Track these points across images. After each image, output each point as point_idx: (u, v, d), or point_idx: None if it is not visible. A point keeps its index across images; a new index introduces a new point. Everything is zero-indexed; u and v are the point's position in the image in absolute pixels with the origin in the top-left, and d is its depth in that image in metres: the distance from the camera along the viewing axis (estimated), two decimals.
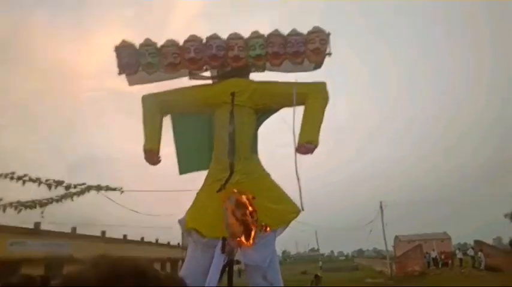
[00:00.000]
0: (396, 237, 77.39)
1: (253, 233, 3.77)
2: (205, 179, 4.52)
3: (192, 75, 4.88)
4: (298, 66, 4.77)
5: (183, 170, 4.98)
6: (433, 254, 32.63)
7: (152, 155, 4.45)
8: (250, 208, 3.95)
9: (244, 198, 3.99)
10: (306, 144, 4.24)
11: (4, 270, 15.83)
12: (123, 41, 4.70)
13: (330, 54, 4.71)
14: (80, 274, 0.49)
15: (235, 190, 4.04)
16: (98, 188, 8.19)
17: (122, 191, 8.59)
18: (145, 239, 33.25)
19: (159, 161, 4.52)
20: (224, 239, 4.06)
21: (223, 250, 4.06)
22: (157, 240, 35.80)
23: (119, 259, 0.53)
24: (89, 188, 8.00)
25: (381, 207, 33.05)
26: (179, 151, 4.94)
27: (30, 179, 7.02)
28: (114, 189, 8.49)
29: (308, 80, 4.79)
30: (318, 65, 4.81)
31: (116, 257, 0.54)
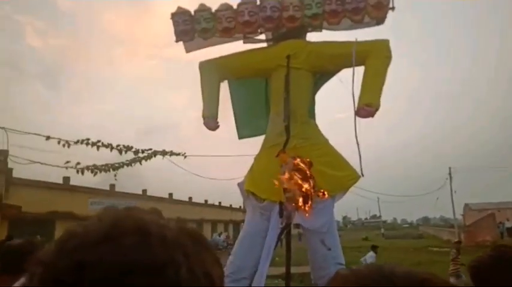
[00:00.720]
0: (466, 205, 73.22)
1: (310, 198, 3.76)
2: (263, 144, 4.54)
3: (247, 39, 4.82)
4: (358, 24, 4.51)
5: (241, 135, 5.07)
6: (508, 224, 30.56)
7: (211, 121, 4.54)
8: (308, 173, 3.92)
9: (302, 163, 3.97)
10: (366, 107, 4.05)
11: None
12: (179, 8, 4.73)
13: (393, 8, 4.36)
14: (84, 227, 0.49)
15: (293, 155, 4.02)
16: (163, 153, 8.66)
17: (185, 156, 9.01)
18: (209, 202, 34.99)
19: (218, 127, 4.59)
20: (281, 203, 4.10)
21: (280, 214, 4.12)
22: (220, 203, 37.46)
23: (123, 212, 0.51)
24: (155, 153, 8.49)
25: (450, 173, 31.37)
26: (237, 116, 5.00)
27: (103, 145, 7.60)
28: (178, 154, 8.93)
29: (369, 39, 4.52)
30: (380, 20, 4.48)
31: (121, 211, 0.51)
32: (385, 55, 4.31)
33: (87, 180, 16.47)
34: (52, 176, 15.18)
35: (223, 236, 27.32)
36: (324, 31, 4.69)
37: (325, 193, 3.87)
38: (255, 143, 4.89)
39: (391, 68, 4.32)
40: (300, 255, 5.77)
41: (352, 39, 4.43)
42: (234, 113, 5.05)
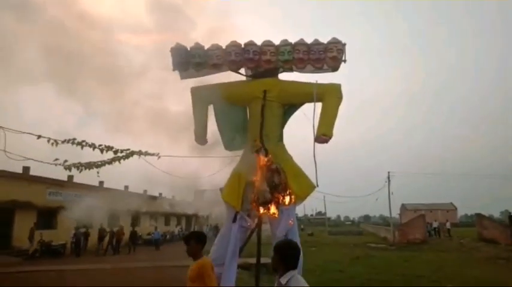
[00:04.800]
0: (403, 205, 78.97)
1: (282, 202, 4.99)
2: (241, 159, 5.71)
3: (232, 72, 5.96)
4: (318, 70, 5.82)
5: (227, 148, 6.07)
6: (435, 225, 34.27)
7: (201, 138, 5.65)
8: (283, 180, 5.11)
9: (281, 169, 5.18)
10: (323, 136, 5.36)
11: (44, 216, 17.80)
12: (177, 44, 5.78)
13: (345, 61, 5.72)
14: None
15: (273, 160, 5.18)
16: (139, 153, 9.54)
17: (159, 157, 9.93)
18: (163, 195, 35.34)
19: (206, 142, 5.72)
20: (237, 212, 5.25)
21: (233, 220, 5.25)
22: (173, 196, 37.93)
23: None
24: (132, 153, 9.34)
25: (388, 177, 34.34)
26: (221, 133, 5.98)
27: (87, 144, 8.35)
28: (153, 154, 9.83)
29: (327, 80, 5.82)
30: (334, 69, 5.84)
31: None
32: (337, 96, 5.64)
33: (45, 171, 16.64)
34: (13, 166, 15.16)
35: (159, 231, 27.87)
36: (293, 72, 5.96)
37: (292, 199, 5.13)
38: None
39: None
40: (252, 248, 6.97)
41: (314, 80, 5.75)
42: (219, 131, 6.04)
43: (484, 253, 19.78)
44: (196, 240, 3.79)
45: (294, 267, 2.58)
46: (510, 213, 30.09)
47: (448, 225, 33.58)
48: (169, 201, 36.40)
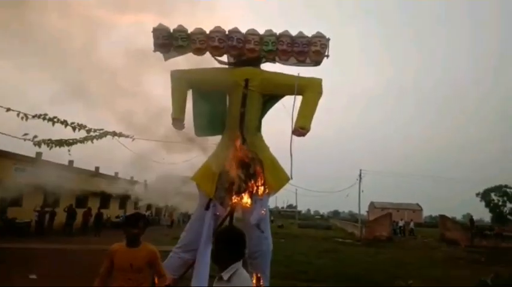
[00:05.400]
0: (371, 203, 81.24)
1: (256, 191, 4.98)
2: (218, 146, 5.66)
3: (214, 59, 5.87)
4: (301, 63, 5.81)
5: (198, 134, 6.00)
6: (401, 223, 35.43)
7: (178, 123, 5.54)
8: (259, 170, 5.09)
9: (258, 159, 5.15)
10: (300, 129, 5.35)
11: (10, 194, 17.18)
12: (160, 25, 5.63)
13: (328, 56, 5.72)
14: None
15: (245, 155, 5.15)
16: (113, 134, 9.30)
17: (133, 139, 9.72)
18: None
19: (184, 127, 5.62)
20: (210, 200, 5.21)
21: (206, 208, 5.21)
22: (145, 181, 37.37)
23: None
24: (106, 133, 9.10)
25: (360, 175, 35.19)
26: (196, 119, 5.91)
27: (59, 121, 8.06)
28: (127, 136, 9.61)
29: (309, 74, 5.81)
30: (317, 63, 5.82)
31: None
32: (318, 91, 5.64)
33: (13, 146, 16.02)
34: None
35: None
36: (275, 63, 5.92)
37: (266, 190, 5.12)
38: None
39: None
40: None
41: (296, 73, 5.72)
42: (194, 115, 5.94)
43: (445, 252, 20.61)
44: (145, 223, 3.55)
45: (238, 258, 2.31)
46: (471, 216, 31.43)
47: (411, 225, 34.72)
48: (140, 185, 35.90)
